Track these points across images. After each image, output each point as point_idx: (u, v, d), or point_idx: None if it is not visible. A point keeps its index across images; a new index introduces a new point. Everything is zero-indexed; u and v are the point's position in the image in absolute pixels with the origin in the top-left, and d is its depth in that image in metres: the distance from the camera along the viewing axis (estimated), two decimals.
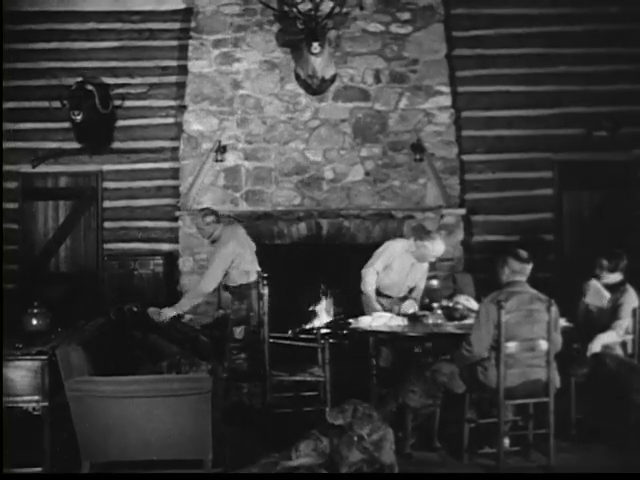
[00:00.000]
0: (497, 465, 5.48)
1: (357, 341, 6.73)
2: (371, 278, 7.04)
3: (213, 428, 5.22)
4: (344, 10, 8.71)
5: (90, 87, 8.96)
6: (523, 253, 5.63)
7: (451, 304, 6.63)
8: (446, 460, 5.71)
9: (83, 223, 9.53)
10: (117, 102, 9.40)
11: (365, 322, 6.62)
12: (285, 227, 8.93)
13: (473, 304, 6.57)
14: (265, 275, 6.72)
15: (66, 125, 9.18)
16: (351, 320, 6.68)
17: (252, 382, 6.89)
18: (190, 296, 7.19)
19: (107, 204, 9.52)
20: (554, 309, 5.55)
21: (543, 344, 5.52)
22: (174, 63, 9.46)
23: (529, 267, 5.62)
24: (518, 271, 5.60)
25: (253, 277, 7.21)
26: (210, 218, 7.32)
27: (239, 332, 7.23)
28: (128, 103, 9.45)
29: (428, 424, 5.92)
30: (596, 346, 6.19)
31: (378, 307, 6.94)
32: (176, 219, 9.06)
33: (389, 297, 7.24)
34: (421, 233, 7.34)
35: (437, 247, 6.98)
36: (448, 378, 5.65)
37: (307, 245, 8.92)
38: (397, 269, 7.13)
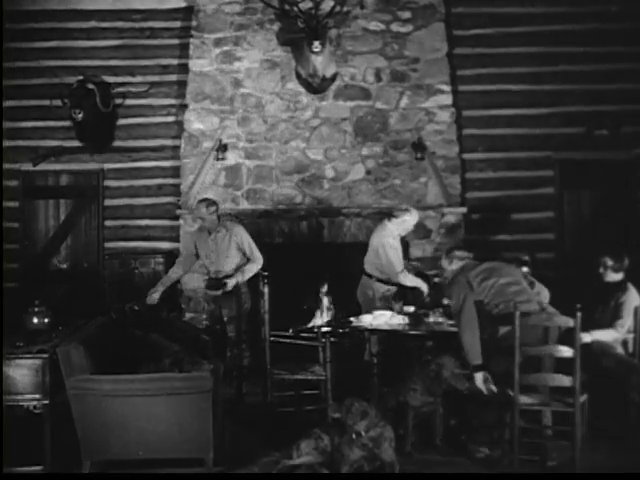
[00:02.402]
0: (500, 462, 5.47)
1: (358, 339, 6.73)
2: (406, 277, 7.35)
3: (214, 427, 5.22)
4: (345, 9, 8.70)
5: (91, 86, 8.97)
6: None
7: None
8: (447, 459, 5.69)
9: (84, 221, 9.53)
10: (118, 101, 9.41)
11: (366, 320, 6.63)
12: (286, 226, 8.94)
13: None
14: (266, 274, 6.73)
15: (67, 123, 9.19)
16: (352, 319, 6.69)
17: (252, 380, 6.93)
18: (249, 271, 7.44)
19: (108, 202, 9.53)
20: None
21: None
22: (175, 62, 9.47)
23: (472, 255, 6.16)
24: (466, 257, 6.05)
25: None
26: (213, 208, 7.47)
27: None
28: (129, 102, 9.45)
29: (430, 423, 5.91)
30: (587, 337, 6.17)
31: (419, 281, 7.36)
32: (177, 218, 9.07)
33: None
34: (392, 213, 7.56)
35: (414, 216, 7.47)
36: (452, 373, 5.65)
37: (308, 244, 8.93)
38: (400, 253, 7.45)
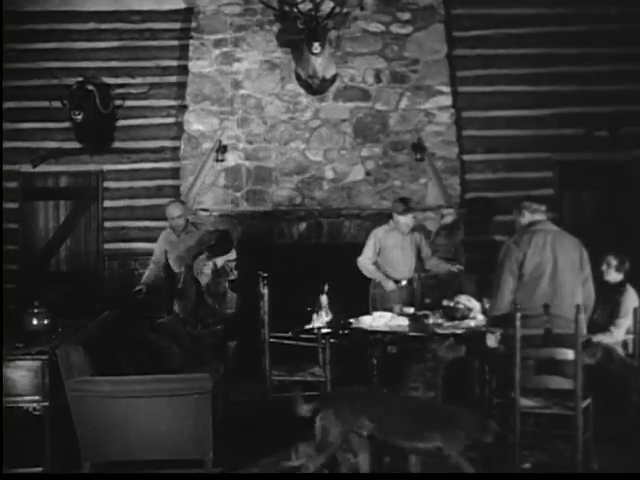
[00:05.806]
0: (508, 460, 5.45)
1: (357, 341, 6.72)
2: (366, 262, 7.58)
3: (213, 428, 5.22)
4: (344, 10, 8.70)
5: (90, 87, 8.96)
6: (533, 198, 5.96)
7: (452, 304, 6.63)
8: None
9: (83, 223, 9.52)
10: (117, 102, 9.40)
11: (366, 322, 6.63)
12: (286, 227, 8.94)
13: (474, 304, 6.57)
14: (265, 275, 6.73)
15: (66, 125, 9.19)
16: (352, 320, 6.68)
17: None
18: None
19: (107, 204, 9.52)
20: (584, 251, 5.71)
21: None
22: (174, 63, 9.46)
23: (543, 207, 5.87)
24: (537, 209, 5.84)
25: None
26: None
27: None
28: (128, 103, 9.44)
29: None
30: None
31: (389, 281, 7.49)
32: None
33: (398, 282, 7.54)
34: (395, 208, 7.60)
35: (402, 219, 7.51)
36: (447, 346, 5.67)
37: (308, 245, 8.93)
38: (391, 247, 7.55)
